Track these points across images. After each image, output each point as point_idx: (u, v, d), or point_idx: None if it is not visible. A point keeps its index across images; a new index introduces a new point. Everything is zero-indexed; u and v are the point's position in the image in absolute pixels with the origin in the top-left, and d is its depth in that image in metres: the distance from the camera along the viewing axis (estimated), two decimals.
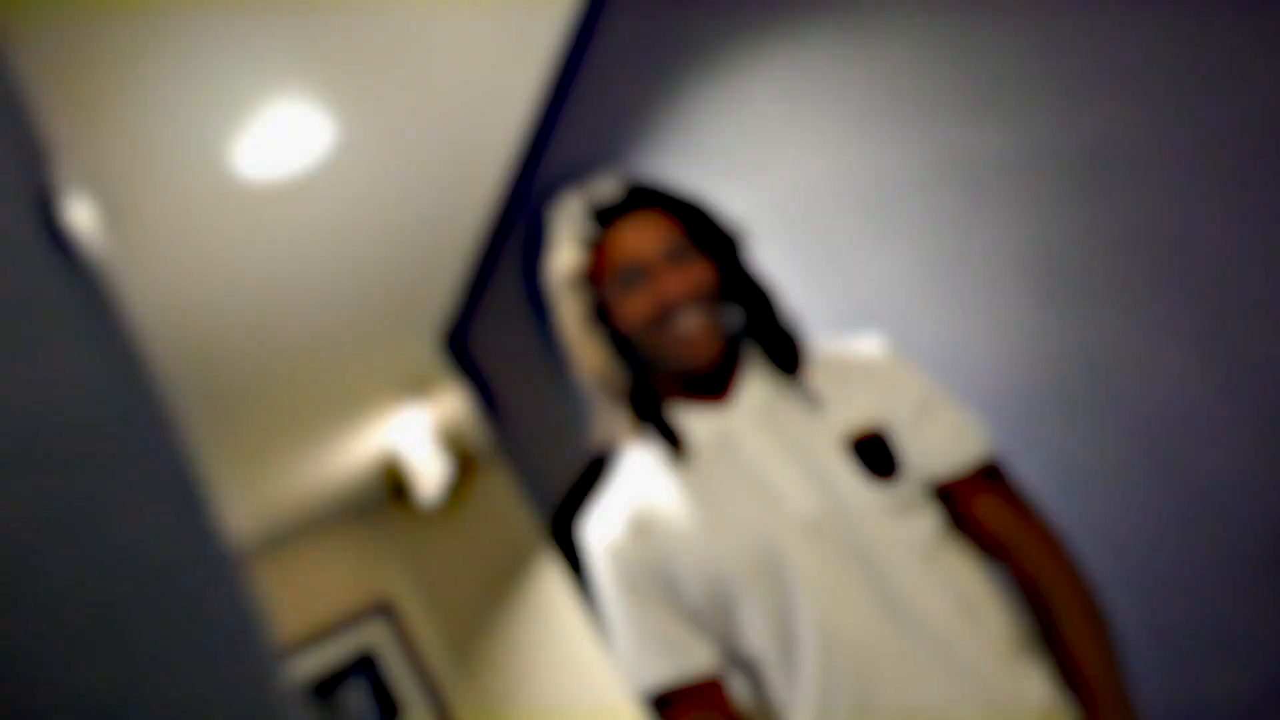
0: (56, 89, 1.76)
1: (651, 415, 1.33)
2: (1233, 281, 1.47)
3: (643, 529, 1.31)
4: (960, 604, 1.25)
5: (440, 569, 5.03)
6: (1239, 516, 1.54)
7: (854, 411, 1.32)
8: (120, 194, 2.08)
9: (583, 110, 2.50)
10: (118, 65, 1.80)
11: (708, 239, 1.35)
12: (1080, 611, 1.26)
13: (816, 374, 1.35)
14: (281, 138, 2.14)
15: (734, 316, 1.37)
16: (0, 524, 0.38)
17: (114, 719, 0.37)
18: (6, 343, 0.40)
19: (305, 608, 4.84)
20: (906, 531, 1.27)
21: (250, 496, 4.12)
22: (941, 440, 1.32)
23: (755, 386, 1.34)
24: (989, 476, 1.34)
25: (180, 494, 0.43)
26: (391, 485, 4.82)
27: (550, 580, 4.39)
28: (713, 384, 1.34)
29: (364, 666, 4.81)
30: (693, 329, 1.29)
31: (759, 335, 1.36)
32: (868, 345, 1.40)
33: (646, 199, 1.34)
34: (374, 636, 4.88)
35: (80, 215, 0.46)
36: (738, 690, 1.30)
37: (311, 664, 4.71)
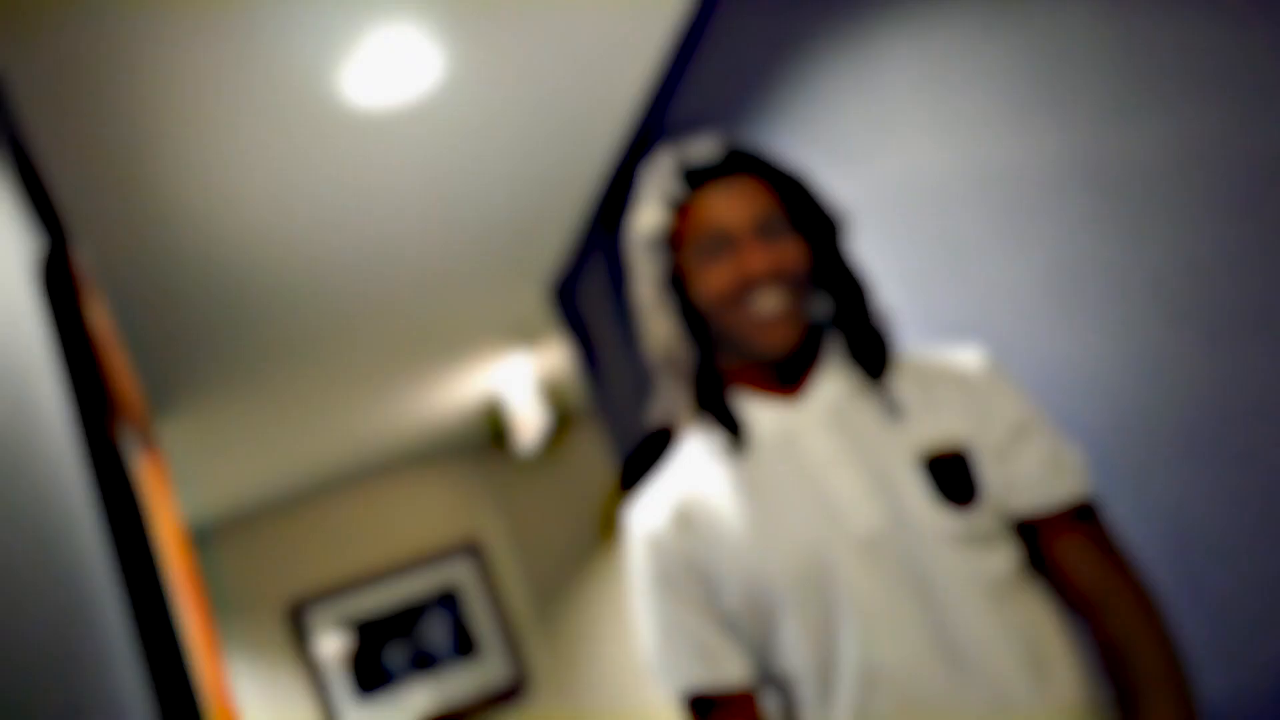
0: (167, 14, 1.74)
1: (713, 400, 1.23)
2: None
3: (687, 522, 1.23)
4: (1027, 655, 1.13)
5: (530, 517, 5.08)
6: None
7: (937, 426, 1.20)
8: (227, 117, 2.07)
9: (708, 69, 2.37)
10: None
11: (805, 217, 1.24)
12: (1166, 688, 1.12)
13: (903, 380, 1.24)
14: (390, 65, 2.09)
15: (821, 306, 1.26)
16: None
17: None
18: None
19: (398, 537, 4.95)
20: (976, 566, 1.15)
21: (356, 425, 4.19)
22: (1032, 471, 1.20)
23: (831, 384, 1.23)
24: (1080, 518, 1.20)
25: None
26: (493, 429, 4.85)
27: None
28: (785, 375, 1.24)
29: (446, 602, 4.88)
30: (771, 310, 1.18)
31: (846, 329, 1.25)
32: (965, 356, 1.27)
33: (743, 164, 1.23)
34: (459, 574, 4.95)
35: None
36: (770, 708, 1.21)
37: (398, 592, 4.81)
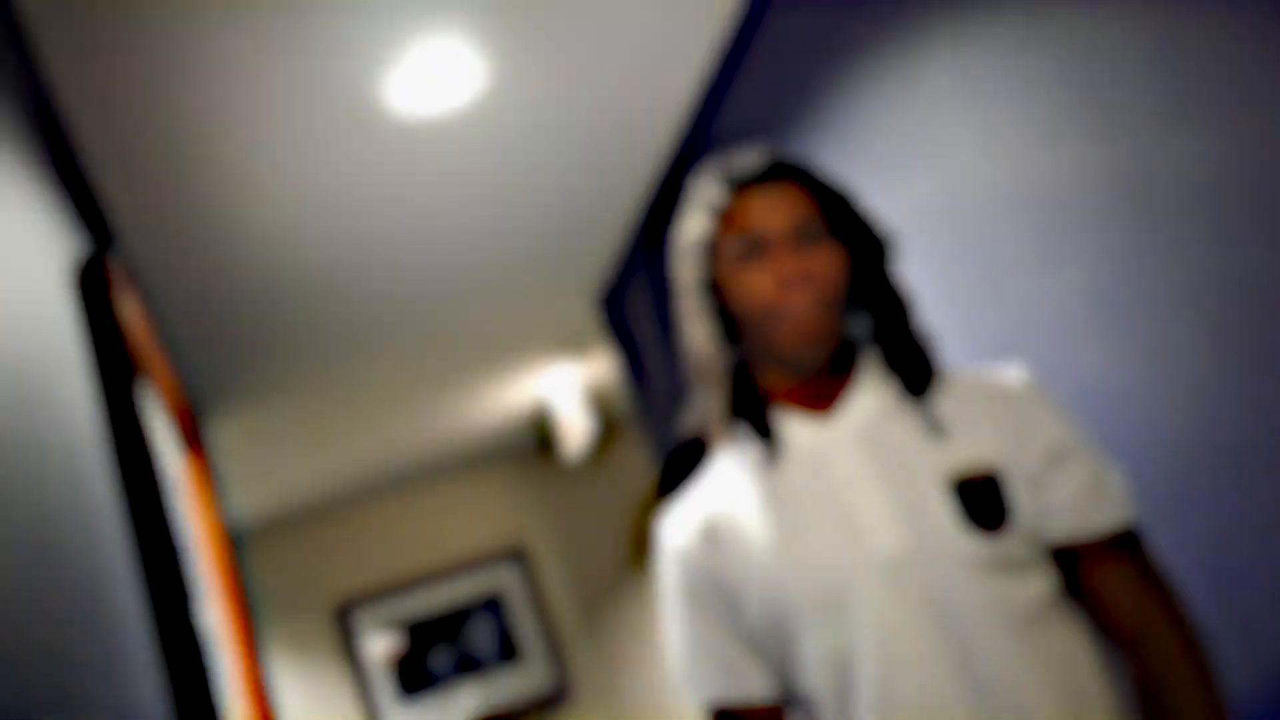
0: (215, 25, 1.76)
1: (748, 407, 1.21)
2: None
3: (714, 538, 1.22)
4: (1059, 688, 1.10)
5: (575, 524, 5.09)
6: None
7: (971, 447, 1.16)
8: (274, 125, 2.09)
9: (754, 81, 2.35)
10: None
11: (846, 227, 1.20)
12: None
13: (941, 399, 1.20)
14: (435, 75, 2.10)
15: (860, 325, 1.23)
16: None
17: None
18: None
19: (445, 542, 4.98)
20: (1004, 592, 1.11)
21: (407, 430, 4.23)
22: (1072, 497, 1.16)
23: (865, 401, 1.20)
24: (1122, 546, 1.16)
25: None
26: (540, 436, 4.87)
27: None
28: (820, 391, 1.20)
29: (491, 607, 4.90)
30: (800, 306, 1.15)
31: (885, 343, 1.21)
32: (1006, 375, 1.24)
33: (785, 171, 1.21)
34: (505, 580, 4.97)
35: None
36: None
37: (445, 596, 4.84)
